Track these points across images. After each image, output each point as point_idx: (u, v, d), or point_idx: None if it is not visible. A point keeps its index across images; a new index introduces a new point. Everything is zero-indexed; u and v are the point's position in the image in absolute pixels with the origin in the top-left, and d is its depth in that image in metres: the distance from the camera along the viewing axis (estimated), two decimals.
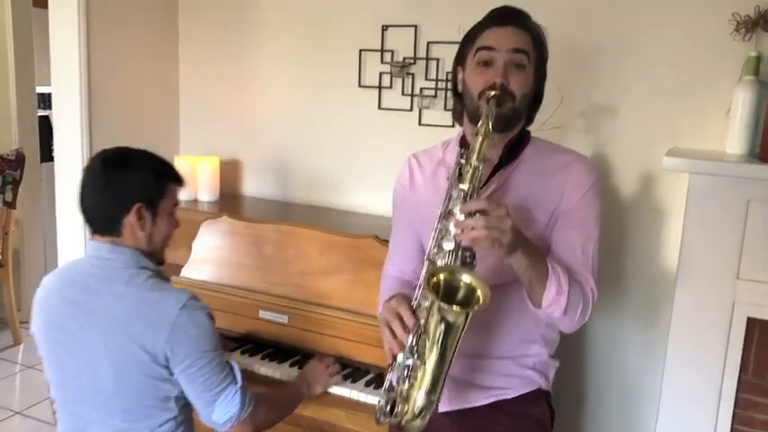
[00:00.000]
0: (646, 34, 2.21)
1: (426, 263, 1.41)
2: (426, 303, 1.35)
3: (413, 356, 1.35)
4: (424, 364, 1.33)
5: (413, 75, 2.57)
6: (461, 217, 1.32)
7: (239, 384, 1.60)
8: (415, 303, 1.41)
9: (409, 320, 1.38)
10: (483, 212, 1.30)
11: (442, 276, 1.34)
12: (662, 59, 2.20)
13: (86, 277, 1.59)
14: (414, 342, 1.36)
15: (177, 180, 1.68)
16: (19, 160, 3.78)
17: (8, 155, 3.76)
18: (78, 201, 1.61)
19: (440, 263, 1.38)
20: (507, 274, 1.47)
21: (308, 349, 2.17)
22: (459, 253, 1.36)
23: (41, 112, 4.42)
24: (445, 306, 1.28)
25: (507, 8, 1.54)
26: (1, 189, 3.72)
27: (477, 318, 1.34)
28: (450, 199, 1.40)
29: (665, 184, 2.23)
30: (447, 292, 1.33)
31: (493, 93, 1.44)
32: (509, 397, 1.61)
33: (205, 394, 1.57)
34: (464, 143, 1.60)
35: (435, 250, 1.40)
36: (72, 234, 2.69)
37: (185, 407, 1.64)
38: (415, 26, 2.53)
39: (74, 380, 1.61)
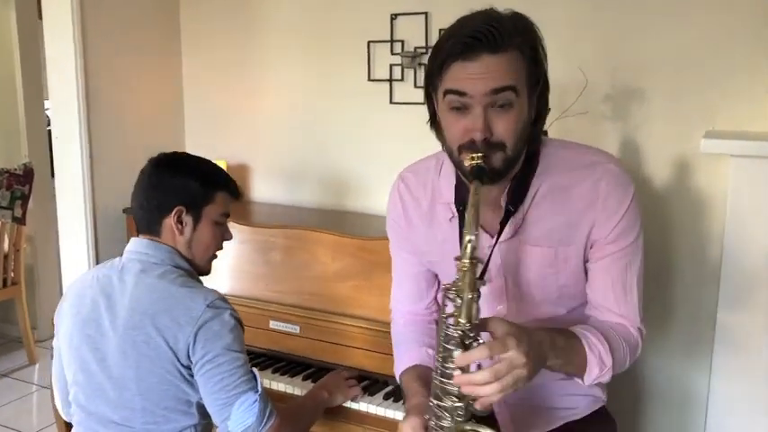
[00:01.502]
0: (674, 9, 2.04)
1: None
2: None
3: None
4: None
5: (425, 65, 2.41)
6: (458, 372, 1.08)
7: (259, 392, 1.51)
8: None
9: None
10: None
11: None
12: (693, 36, 2.03)
13: (122, 271, 1.58)
14: None
15: (228, 189, 1.66)
16: (27, 175, 3.70)
17: (16, 169, 3.68)
18: (131, 200, 1.65)
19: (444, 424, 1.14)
20: (563, 304, 1.37)
21: (322, 361, 2.04)
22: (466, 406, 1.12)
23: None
24: None
25: (477, 27, 1.15)
26: (10, 205, 3.63)
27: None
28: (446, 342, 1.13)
29: (704, 170, 2.06)
30: None
31: (474, 162, 1.16)
32: (578, 418, 1.45)
33: (221, 395, 1.48)
34: (459, 187, 1.35)
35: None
36: (75, 248, 2.59)
37: (207, 415, 1.56)
38: (426, 13, 2.40)
39: (98, 377, 1.55)
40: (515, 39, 1.16)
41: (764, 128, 1.96)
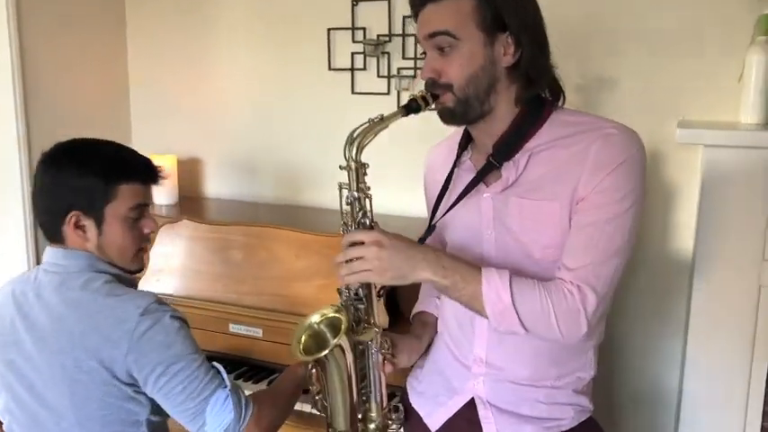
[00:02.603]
0: None
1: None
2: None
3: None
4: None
5: (388, 54, 2.34)
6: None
7: (229, 387, 1.36)
8: None
9: None
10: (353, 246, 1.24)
11: (303, 337, 1.37)
12: (664, 21, 1.99)
13: (40, 287, 1.40)
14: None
15: (136, 178, 1.42)
16: None
17: None
18: None
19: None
20: (544, 267, 1.27)
21: (287, 365, 1.90)
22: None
23: None
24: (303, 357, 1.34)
25: None
26: None
27: (521, 340, 1.27)
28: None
29: (674, 160, 2.03)
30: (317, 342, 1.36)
31: (412, 96, 1.27)
32: (565, 429, 1.38)
33: (189, 405, 1.33)
34: (467, 139, 1.40)
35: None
36: (13, 248, 2.40)
37: (159, 430, 1.44)
38: None
39: (32, 407, 1.38)
40: None
41: (734, 117, 1.94)
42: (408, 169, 2.26)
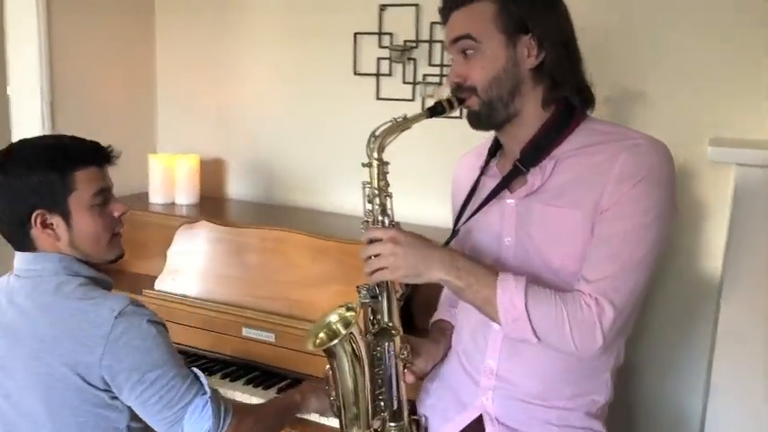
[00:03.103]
0: (677, 8, 1.94)
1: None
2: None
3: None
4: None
5: (414, 60, 2.30)
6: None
7: (208, 394, 1.32)
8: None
9: None
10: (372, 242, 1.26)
11: (321, 334, 1.38)
12: (697, 36, 1.93)
13: (11, 293, 1.36)
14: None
15: (90, 162, 1.35)
16: None
17: None
18: None
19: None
20: (562, 279, 1.25)
21: (298, 372, 1.90)
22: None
23: None
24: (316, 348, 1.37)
25: None
26: None
27: (534, 354, 1.27)
28: None
29: (705, 179, 1.96)
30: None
31: (436, 105, 1.29)
32: None
33: (166, 414, 1.29)
34: (496, 147, 1.41)
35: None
36: None
37: None
38: (416, 5, 2.27)
39: (10, 416, 1.35)
40: None
41: (766, 135, 1.88)
42: (422, 178, 2.24)
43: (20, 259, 1.37)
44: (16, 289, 1.35)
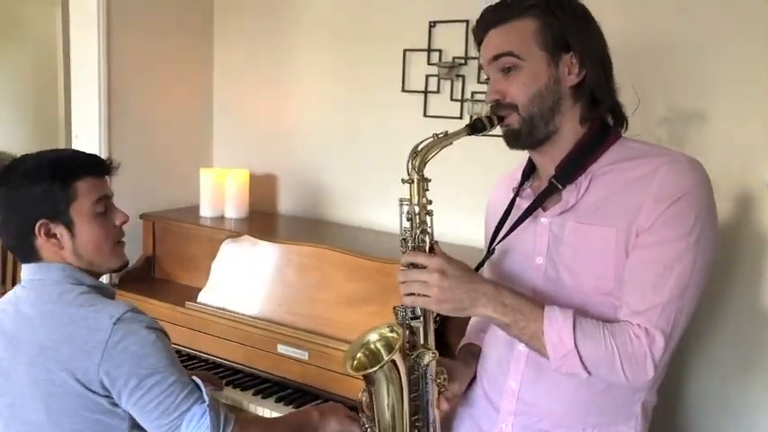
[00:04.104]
0: (738, 23, 1.81)
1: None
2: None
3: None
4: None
5: (463, 77, 2.26)
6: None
7: (207, 402, 1.32)
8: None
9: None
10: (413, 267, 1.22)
11: (359, 355, 1.32)
12: (761, 55, 1.79)
13: (18, 303, 1.39)
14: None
15: (87, 172, 1.39)
16: None
17: None
18: None
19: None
20: (594, 300, 1.22)
21: (329, 392, 1.88)
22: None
23: None
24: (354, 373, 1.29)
25: (484, 11, 1.29)
26: None
27: (558, 379, 1.24)
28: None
29: (765, 205, 1.82)
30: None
31: (477, 116, 1.26)
32: None
33: (164, 420, 1.29)
34: (530, 170, 1.39)
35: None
36: None
37: None
38: (467, 21, 2.22)
39: (15, 425, 1.37)
40: (521, 8, 1.23)
41: None
42: (451, 196, 2.17)
43: (25, 270, 1.41)
44: (22, 298, 1.38)
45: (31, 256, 1.39)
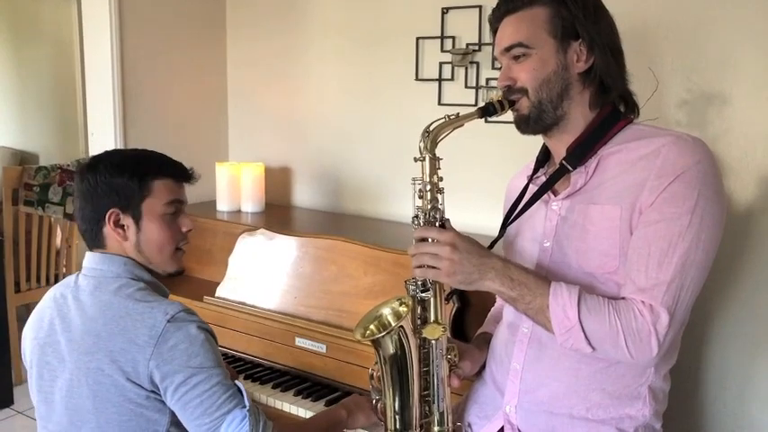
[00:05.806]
0: (763, 4, 1.76)
1: None
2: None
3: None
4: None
5: (477, 64, 2.23)
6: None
7: (247, 407, 1.34)
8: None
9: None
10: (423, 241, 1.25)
11: (371, 326, 1.33)
12: None
13: (78, 290, 1.43)
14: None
15: (168, 174, 1.45)
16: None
17: (69, 165, 3.67)
18: None
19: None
20: (598, 279, 1.25)
21: (348, 385, 1.87)
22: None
23: None
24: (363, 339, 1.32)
25: (499, 1, 1.34)
26: (62, 201, 3.62)
27: (559, 355, 1.27)
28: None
29: None
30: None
31: (487, 106, 1.29)
32: None
33: (205, 419, 1.31)
34: (545, 157, 1.43)
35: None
36: None
37: None
38: (479, 6, 2.19)
39: (58, 410, 1.40)
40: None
41: None
42: (463, 184, 2.15)
43: (88, 259, 1.45)
44: (82, 287, 1.42)
45: (98, 242, 1.44)
